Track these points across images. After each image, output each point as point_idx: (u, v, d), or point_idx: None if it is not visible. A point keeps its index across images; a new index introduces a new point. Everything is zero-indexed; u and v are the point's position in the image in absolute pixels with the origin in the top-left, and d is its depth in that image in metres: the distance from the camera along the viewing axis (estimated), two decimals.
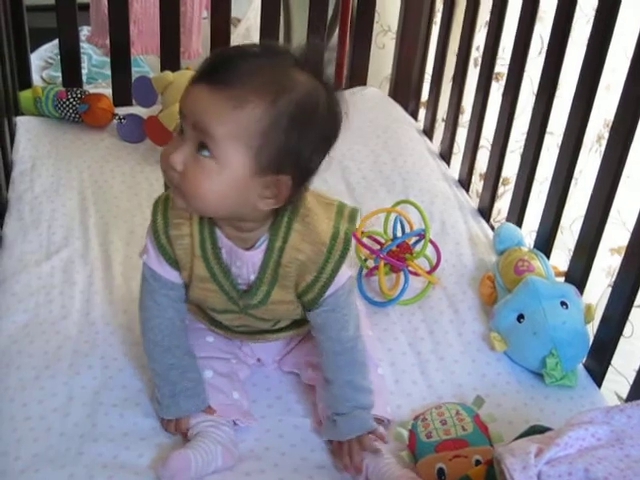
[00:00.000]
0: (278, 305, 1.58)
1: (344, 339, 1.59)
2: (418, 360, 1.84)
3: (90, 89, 2.78)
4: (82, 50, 3.50)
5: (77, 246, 2.09)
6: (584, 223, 1.92)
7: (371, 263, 2.04)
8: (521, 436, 1.41)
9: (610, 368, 1.93)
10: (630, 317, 1.87)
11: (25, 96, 2.67)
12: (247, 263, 1.53)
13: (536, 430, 1.41)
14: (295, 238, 1.50)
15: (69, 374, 1.70)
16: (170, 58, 2.77)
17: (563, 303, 1.82)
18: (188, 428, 1.58)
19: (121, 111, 2.64)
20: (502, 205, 2.46)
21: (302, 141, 1.37)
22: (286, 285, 1.55)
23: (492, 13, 2.35)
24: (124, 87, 2.73)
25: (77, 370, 1.71)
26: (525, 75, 2.23)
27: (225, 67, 1.35)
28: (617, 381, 1.96)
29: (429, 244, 2.04)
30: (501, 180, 2.44)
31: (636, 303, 1.89)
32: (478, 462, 1.50)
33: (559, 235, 2.13)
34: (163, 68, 2.74)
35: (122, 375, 1.72)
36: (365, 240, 2.04)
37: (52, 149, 2.53)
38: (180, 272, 1.58)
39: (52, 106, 2.62)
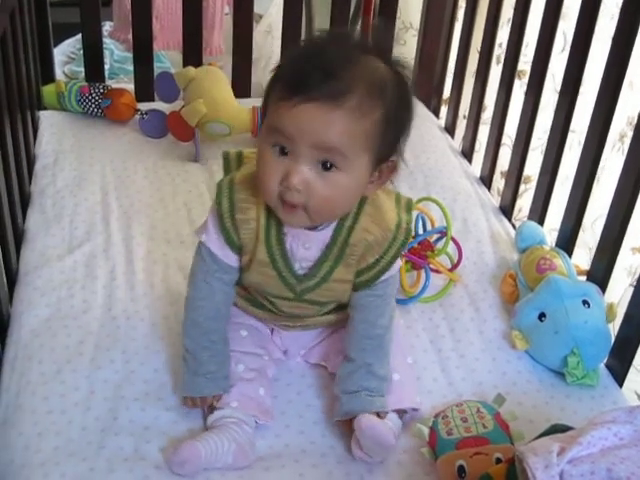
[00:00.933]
0: (337, 284, 1.60)
1: (378, 325, 1.63)
2: (439, 357, 1.84)
3: (112, 84, 2.78)
4: (104, 45, 3.52)
5: (99, 241, 2.10)
6: (607, 222, 1.91)
7: None
8: (542, 435, 1.41)
9: (631, 368, 1.93)
10: None
11: (48, 91, 2.67)
12: (316, 242, 1.56)
13: (557, 429, 1.40)
14: (365, 220, 1.54)
15: (90, 368, 1.71)
16: (192, 54, 2.78)
17: (585, 302, 1.81)
18: (211, 409, 1.59)
19: (143, 106, 2.65)
20: (523, 203, 2.46)
21: (403, 126, 1.45)
22: (349, 263, 1.57)
23: (515, 10, 2.34)
24: (146, 82, 2.74)
25: (99, 364, 1.72)
26: (548, 72, 2.22)
27: (327, 78, 1.33)
28: (638, 381, 1.95)
29: (450, 242, 2.03)
30: (523, 178, 2.43)
31: None
32: (499, 460, 1.49)
33: (580, 233, 2.13)
34: (185, 64, 2.75)
35: (144, 369, 1.72)
36: None
37: (75, 143, 2.53)
38: (241, 256, 1.59)
39: (75, 101, 2.62)
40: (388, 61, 1.42)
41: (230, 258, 1.59)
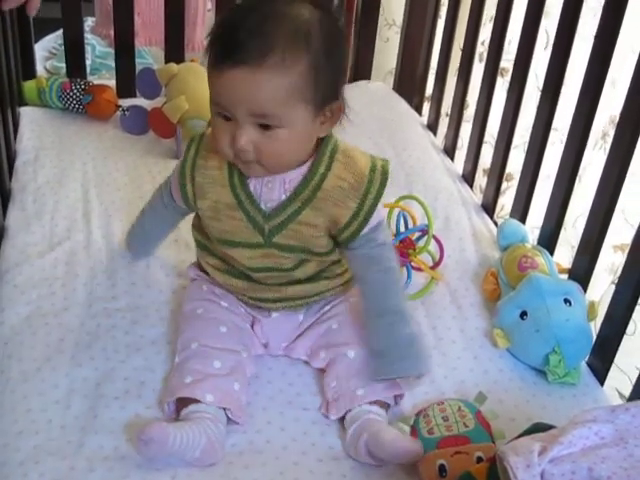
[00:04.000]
0: (304, 227, 1.62)
1: (394, 270, 1.69)
2: None
3: (94, 80, 2.77)
4: (86, 41, 3.50)
5: (80, 238, 2.09)
6: (588, 220, 1.91)
7: None
8: (524, 434, 1.40)
9: (613, 366, 1.93)
10: (633, 315, 1.87)
11: (29, 86, 2.66)
12: (280, 182, 1.60)
13: (539, 428, 1.40)
14: (338, 167, 1.59)
15: (70, 366, 1.70)
16: (174, 50, 2.77)
17: (566, 300, 1.81)
18: (186, 403, 1.57)
19: (125, 102, 2.64)
20: (506, 201, 2.46)
21: (338, 64, 1.51)
22: (320, 207, 1.60)
23: (498, 7, 2.34)
24: (128, 78, 2.73)
25: (79, 362, 1.71)
26: (530, 70, 2.22)
27: (248, 38, 1.39)
28: (619, 379, 1.95)
29: (432, 240, 2.03)
30: (505, 176, 2.43)
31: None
32: (480, 459, 1.49)
33: (562, 231, 2.13)
34: (167, 60, 2.74)
35: (124, 367, 1.71)
36: None
37: (56, 140, 2.53)
38: (192, 200, 1.67)
39: (56, 97, 2.62)
40: (316, 4, 1.47)
41: (178, 195, 1.72)
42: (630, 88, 1.78)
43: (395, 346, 1.65)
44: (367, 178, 1.59)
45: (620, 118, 1.81)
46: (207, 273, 1.80)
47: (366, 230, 1.63)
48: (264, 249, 1.65)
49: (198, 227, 1.76)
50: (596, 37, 1.89)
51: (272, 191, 1.60)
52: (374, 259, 1.67)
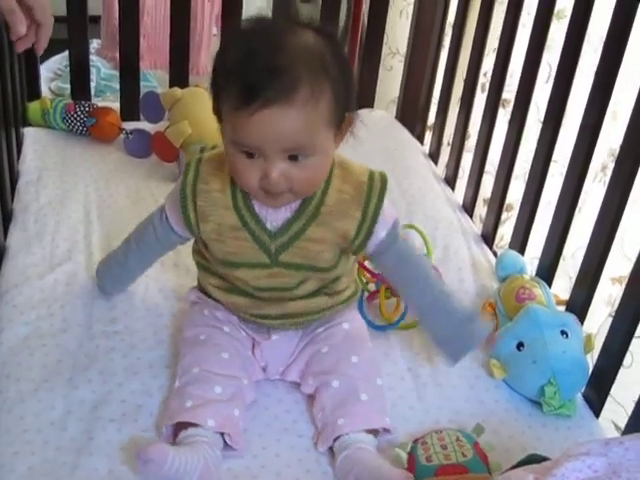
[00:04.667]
0: (311, 244, 1.63)
1: (421, 258, 1.78)
2: (416, 385, 1.83)
3: (98, 102, 2.78)
4: (91, 63, 3.52)
5: (80, 259, 2.09)
6: (587, 252, 1.92)
7: (372, 287, 2.04)
8: (518, 465, 1.41)
9: (609, 398, 1.93)
10: (630, 347, 1.87)
11: (33, 107, 2.67)
12: (284, 206, 1.61)
13: (533, 459, 1.41)
14: (336, 181, 1.61)
15: (68, 388, 1.70)
16: (179, 74, 2.78)
17: (563, 332, 1.81)
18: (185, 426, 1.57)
19: (129, 126, 2.65)
20: (505, 231, 2.47)
21: (349, 82, 1.53)
22: (325, 223, 1.62)
23: (501, 39, 2.36)
24: (132, 101, 2.74)
25: (76, 384, 1.71)
26: (532, 102, 2.23)
27: (272, 76, 1.39)
28: (616, 411, 1.96)
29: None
30: (505, 206, 2.44)
31: (636, 334, 1.89)
32: None
33: (561, 263, 2.13)
34: (172, 84, 2.75)
35: (121, 390, 1.71)
36: (367, 263, 2.03)
37: (59, 161, 2.53)
38: (194, 228, 1.66)
39: (60, 118, 2.63)
40: (311, 27, 1.49)
41: (178, 223, 1.72)
42: (630, 121, 1.79)
43: (460, 324, 1.72)
44: (366, 185, 1.62)
45: (620, 151, 1.82)
46: (208, 295, 1.80)
47: (384, 233, 1.66)
48: (270, 269, 1.66)
49: (198, 250, 1.76)
50: (596, 72, 1.91)
51: (278, 211, 1.61)
52: (404, 256, 1.72)
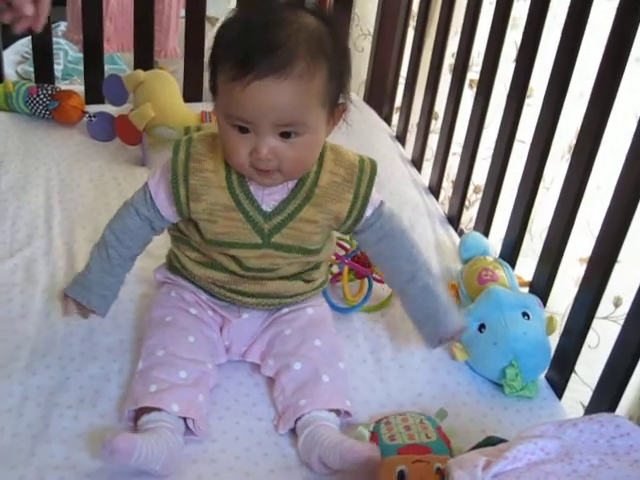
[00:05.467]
0: (304, 224, 1.65)
1: (408, 235, 1.76)
2: (378, 367, 1.83)
3: (66, 85, 2.77)
4: (59, 46, 3.51)
5: (41, 244, 2.07)
6: (548, 233, 1.91)
7: (336, 269, 2.03)
8: (476, 447, 1.40)
9: (576, 378, 1.93)
10: (597, 328, 1.88)
11: None
12: (279, 188, 1.63)
13: (492, 441, 1.40)
14: (329, 163, 1.64)
15: (25, 374, 1.68)
16: (143, 56, 2.76)
17: (525, 314, 1.81)
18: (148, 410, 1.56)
19: (93, 109, 2.63)
20: (474, 213, 2.45)
21: (346, 69, 1.55)
22: (319, 204, 1.64)
23: (465, 19, 2.35)
24: (96, 85, 2.71)
25: (34, 370, 1.69)
26: (501, 82, 2.22)
27: (271, 49, 1.41)
28: (583, 391, 1.95)
29: None
30: (473, 188, 2.43)
31: (602, 314, 1.89)
32: (439, 470, 1.48)
33: (529, 243, 2.13)
34: (136, 66, 2.73)
35: (79, 376, 1.70)
36: None
37: (21, 145, 2.52)
38: (183, 207, 1.64)
39: (23, 102, 2.60)
40: (315, 12, 1.51)
41: (163, 202, 1.67)
42: (590, 99, 1.78)
43: (438, 306, 1.73)
44: (357, 168, 1.65)
45: (581, 129, 1.82)
46: (179, 272, 1.78)
47: (370, 211, 1.69)
48: (262, 250, 1.66)
49: (174, 225, 1.76)
50: (558, 49, 1.90)
51: (273, 192, 1.63)
52: (385, 233, 1.73)
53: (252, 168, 1.52)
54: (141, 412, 1.57)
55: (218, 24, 3.32)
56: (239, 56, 1.42)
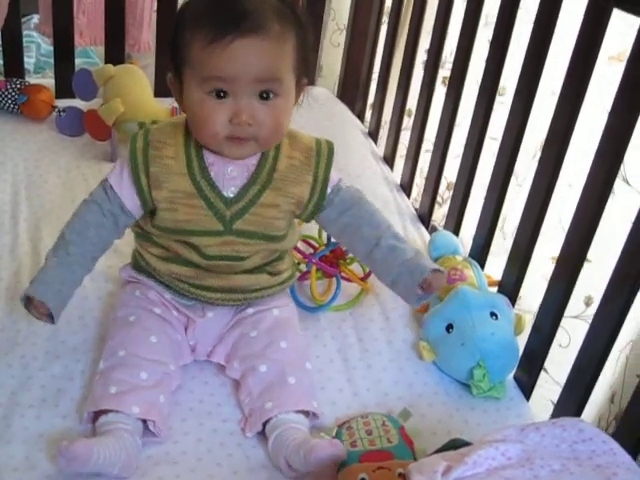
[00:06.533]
0: (266, 209, 1.65)
1: (368, 203, 1.77)
2: (345, 367, 1.81)
3: (38, 79, 2.75)
4: (31, 39, 3.49)
5: (6, 241, 2.05)
6: (517, 232, 1.90)
7: (304, 267, 2.02)
8: (440, 450, 1.39)
9: (547, 377, 1.93)
10: (568, 327, 1.87)
11: None
12: (240, 170, 1.63)
13: (457, 444, 1.38)
14: (286, 147, 1.66)
15: None
16: (114, 51, 2.75)
17: (493, 314, 1.79)
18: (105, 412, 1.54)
19: (63, 103, 2.61)
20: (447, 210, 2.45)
21: (309, 47, 1.60)
22: (279, 188, 1.65)
23: (437, 16, 2.34)
24: (67, 78, 2.67)
25: None
26: (474, 80, 2.21)
27: (248, 11, 1.46)
28: (554, 391, 1.94)
29: None
30: (446, 185, 2.42)
31: (572, 313, 1.88)
32: (401, 475, 1.47)
33: (502, 242, 2.12)
34: (107, 60, 2.72)
35: (42, 375, 1.68)
36: (298, 244, 2.00)
37: None
38: (147, 192, 1.63)
39: None
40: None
41: (126, 193, 1.65)
42: (559, 98, 1.77)
43: (407, 259, 1.69)
44: (314, 151, 1.68)
45: (550, 126, 1.81)
46: (143, 269, 1.77)
47: (329, 190, 1.71)
48: (223, 237, 1.66)
49: (136, 222, 1.74)
50: (528, 47, 1.89)
51: (234, 177, 1.63)
52: (345, 205, 1.73)
53: (227, 139, 1.53)
54: (100, 412, 1.55)
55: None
56: (216, 20, 1.46)
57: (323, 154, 1.69)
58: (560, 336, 1.85)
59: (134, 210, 1.67)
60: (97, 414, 1.55)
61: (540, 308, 1.82)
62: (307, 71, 1.62)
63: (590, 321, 1.69)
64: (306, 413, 1.62)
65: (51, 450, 1.51)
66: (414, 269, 1.67)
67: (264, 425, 1.60)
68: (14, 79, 2.61)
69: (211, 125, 1.52)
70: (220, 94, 1.49)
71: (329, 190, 1.70)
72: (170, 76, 1.61)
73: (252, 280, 1.74)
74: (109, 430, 1.51)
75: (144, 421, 1.56)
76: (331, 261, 1.99)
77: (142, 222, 1.71)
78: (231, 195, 1.63)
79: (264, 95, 1.50)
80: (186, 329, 1.76)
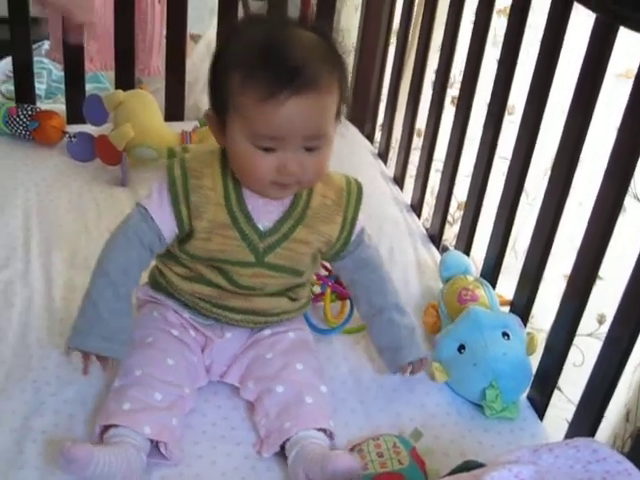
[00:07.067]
0: (298, 244, 1.67)
1: (384, 268, 1.81)
2: (358, 388, 1.81)
3: (49, 104, 2.76)
4: (43, 65, 3.50)
5: (18, 267, 2.05)
6: (529, 251, 1.90)
7: (318, 289, 2.01)
8: (453, 472, 1.38)
9: (562, 396, 1.92)
10: (581, 346, 1.86)
11: None
12: (276, 206, 1.64)
13: (470, 466, 1.38)
14: (319, 186, 1.67)
15: (0, 399, 1.66)
16: (124, 76, 2.76)
17: (505, 334, 1.79)
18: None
19: (74, 129, 2.62)
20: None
21: (347, 81, 1.59)
22: (311, 225, 1.66)
23: (444, 37, 2.34)
24: (78, 104, 2.69)
25: (8, 395, 1.67)
26: (483, 99, 2.21)
27: (298, 65, 1.43)
28: (568, 409, 1.93)
29: None
30: (457, 205, 2.42)
31: (585, 332, 1.87)
32: None
33: (513, 261, 2.11)
34: (117, 86, 2.73)
35: (54, 400, 1.67)
36: None
37: (0, 166, 2.50)
38: (185, 225, 1.62)
39: (3, 123, 2.59)
40: (315, 30, 1.54)
41: (165, 224, 1.62)
42: (568, 115, 1.78)
43: (399, 337, 1.77)
44: (345, 191, 1.69)
45: (560, 144, 1.81)
46: (163, 288, 1.76)
47: (353, 237, 1.72)
48: (254, 268, 1.66)
49: None
50: (536, 66, 1.90)
51: (270, 211, 1.64)
52: (363, 261, 1.77)
53: (271, 184, 1.54)
54: (109, 426, 1.54)
55: (200, 41, 3.34)
56: (270, 75, 1.43)
57: (353, 195, 1.70)
58: (573, 355, 1.84)
59: (170, 238, 1.66)
60: (107, 427, 1.55)
61: (552, 327, 1.81)
62: (343, 104, 1.59)
63: (603, 339, 1.69)
64: (324, 431, 1.62)
65: (63, 475, 1.50)
66: (400, 350, 1.78)
67: (281, 446, 1.60)
68: (25, 105, 2.62)
69: (257, 174, 1.52)
70: (266, 149, 1.49)
71: (354, 236, 1.72)
72: (209, 112, 1.59)
73: (273, 303, 1.75)
74: (115, 442, 1.51)
75: (156, 443, 1.56)
76: (344, 284, 1.99)
77: (175, 246, 1.70)
78: (265, 228, 1.64)
79: (310, 148, 1.50)
80: (203, 349, 1.75)
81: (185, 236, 1.65)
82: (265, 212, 1.63)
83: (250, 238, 1.63)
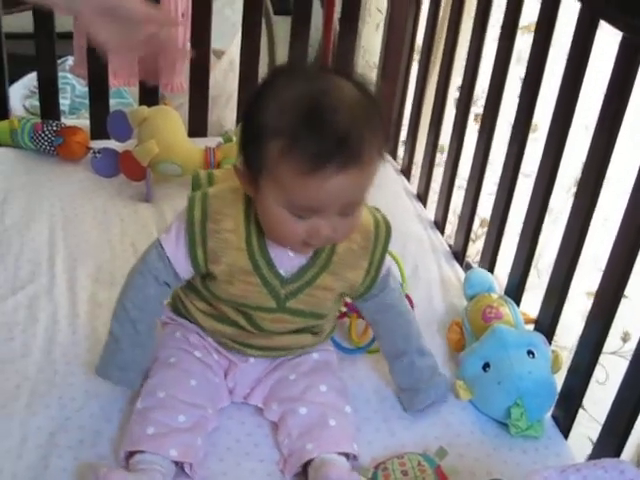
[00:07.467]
0: (321, 291, 1.64)
1: (408, 311, 1.80)
2: (382, 407, 1.81)
3: (73, 120, 2.77)
4: (66, 80, 3.53)
5: (43, 282, 2.06)
6: (554, 269, 1.89)
7: (343, 308, 2.00)
8: None
9: (585, 415, 1.91)
10: (605, 364, 1.85)
11: (2, 127, 2.65)
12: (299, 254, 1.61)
13: None
14: None
15: (25, 414, 1.67)
16: (148, 92, 2.77)
17: (530, 352, 1.79)
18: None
19: (98, 144, 2.62)
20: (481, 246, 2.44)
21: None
22: (336, 272, 1.63)
23: (468, 54, 2.34)
24: (102, 120, 2.69)
25: (34, 410, 1.68)
26: (506, 117, 2.21)
27: (340, 139, 1.34)
28: (592, 428, 1.93)
29: None
30: (480, 222, 2.41)
31: (609, 350, 1.87)
32: None
33: (537, 279, 2.11)
34: (141, 101, 2.74)
35: (79, 416, 1.68)
36: None
37: (26, 182, 2.51)
38: (201, 268, 1.60)
39: (28, 138, 2.61)
40: (347, 75, 1.44)
41: (181, 264, 1.61)
42: (594, 133, 1.77)
43: (419, 380, 1.78)
44: (373, 234, 1.64)
45: (585, 161, 1.80)
46: (183, 315, 1.77)
47: (378, 281, 1.69)
48: (275, 314, 1.65)
49: None
50: (562, 83, 1.90)
51: (294, 257, 1.60)
52: (387, 305, 1.75)
53: (301, 243, 1.49)
54: (135, 451, 1.55)
55: (224, 57, 3.34)
56: (314, 148, 1.34)
57: (380, 239, 1.65)
58: (596, 372, 1.83)
59: (187, 277, 1.65)
60: (132, 452, 1.55)
61: (578, 345, 1.81)
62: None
63: (629, 357, 1.68)
64: (346, 455, 1.61)
65: None
66: (418, 393, 1.78)
67: (305, 467, 1.59)
68: (50, 121, 2.64)
69: (288, 237, 1.49)
70: (301, 215, 1.44)
71: (379, 279, 1.69)
72: (239, 166, 1.51)
73: (295, 340, 1.74)
74: (143, 469, 1.51)
75: (181, 464, 1.56)
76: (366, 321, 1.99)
77: (198, 282, 1.69)
78: (288, 274, 1.61)
79: (344, 214, 1.45)
80: (226, 372, 1.75)
81: (207, 274, 1.63)
82: (288, 259, 1.60)
83: (272, 284, 1.60)
